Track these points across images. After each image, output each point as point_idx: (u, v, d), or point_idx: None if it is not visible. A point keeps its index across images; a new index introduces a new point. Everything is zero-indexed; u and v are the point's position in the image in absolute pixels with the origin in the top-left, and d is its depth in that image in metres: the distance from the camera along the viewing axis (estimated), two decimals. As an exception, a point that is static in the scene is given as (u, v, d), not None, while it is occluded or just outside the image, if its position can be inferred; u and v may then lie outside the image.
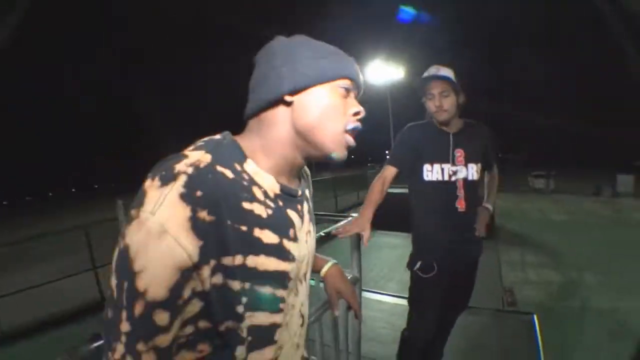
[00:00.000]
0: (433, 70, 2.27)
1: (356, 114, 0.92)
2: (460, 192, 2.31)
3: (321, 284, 2.10)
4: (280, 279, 0.82)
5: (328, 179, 17.80)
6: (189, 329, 0.72)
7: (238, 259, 0.73)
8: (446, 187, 2.32)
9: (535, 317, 3.74)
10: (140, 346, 0.64)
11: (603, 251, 8.25)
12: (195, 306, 0.70)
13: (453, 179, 2.31)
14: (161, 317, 0.64)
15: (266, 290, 0.79)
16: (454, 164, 2.32)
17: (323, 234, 2.10)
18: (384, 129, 24.06)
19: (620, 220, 12.81)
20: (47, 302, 6.01)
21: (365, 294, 4.44)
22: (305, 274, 0.98)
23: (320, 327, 2.03)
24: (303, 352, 1.03)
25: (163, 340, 0.65)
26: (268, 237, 0.79)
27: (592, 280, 6.48)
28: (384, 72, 23.91)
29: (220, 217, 0.69)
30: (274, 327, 0.84)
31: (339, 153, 0.90)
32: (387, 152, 2.70)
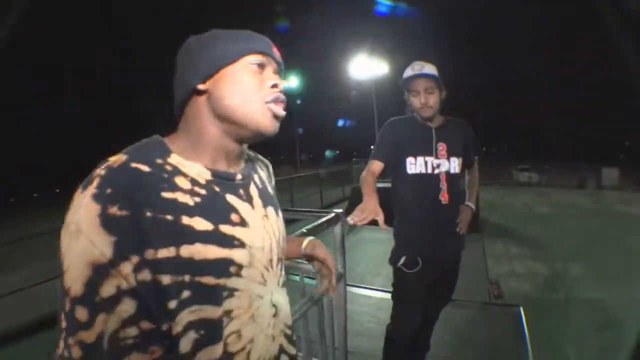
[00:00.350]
0: (417, 67, 2.27)
1: (274, 86, 0.90)
2: (444, 185, 2.31)
3: (305, 280, 2.10)
4: (224, 267, 0.79)
5: (313, 174, 17.77)
6: (132, 331, 0.69)
7: (170, 251, 0.71)
8: (429, 180, 2.32)
9: (521, 309, 3.76)
10: (70, 340, 0.66)
11: (587, 243, 8.36)
12: (129, 305, 0.68)
13: (436, 171, 2.31)
14: (81, 313, 0.65)
15: (208, 280, 0.76)
16: (437, 157, 2.32)
17: (305, 231, 2.09)
18: (369, 123, 24.06)
19: (604, 212, 12.99)
20: (34, 304, 5.94)
21: (352, 289, 4.45)
22: (271, 261, 0.94)
23: (306, 322, 2.02)
24: (282, 343, 0.98)
25: (86, 336, 0.65)
26: (200, 224, 0.76)
27: (577, 272, 6.57)
28: (368, 67, 23.89)
29: (136, 210, 0.69)
30: (224, 319, 0.80)
31: (267, 126, 0.89)
32: (372, 147, 2.69)
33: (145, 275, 0.69)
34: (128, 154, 0.76)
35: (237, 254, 0.81)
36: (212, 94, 0.86)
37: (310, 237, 1.35)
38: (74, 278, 0.65)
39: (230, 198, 0.86)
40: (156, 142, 0.83)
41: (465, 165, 2.47)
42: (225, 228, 0.81)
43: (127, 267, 0.67)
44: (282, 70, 0.98)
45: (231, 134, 0.88)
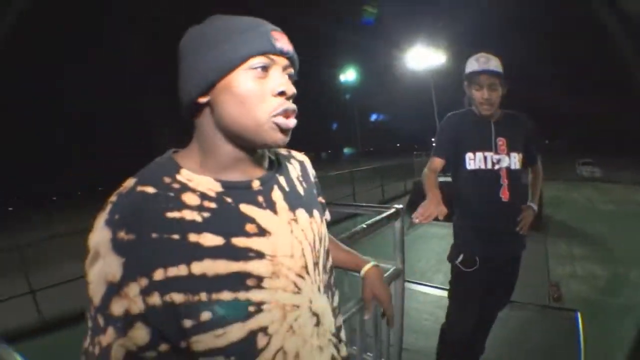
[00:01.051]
0: (482, 60, 2.22)
1: (281, 93, 0.82)
2: (504, 182, 2.27)
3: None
4: (239, 281, 0.77)
5: (374, 167, 17.67)
6: (152, 354, 0.74)
7: (180, 269, 0.72)
8: (489, 176, 2.28)
9: (579, 314, 3.64)
10: (95, 339, 0.73)
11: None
12: (143, 332, 0.72)
13: (496, 167, 2.27)
14: (100, 320, 0.72)
15: (225, 296, 0.75)
16: (496, 152, 2.28)
17: (365, 226, 2.09)
18: (429, 115, 23.67)
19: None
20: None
21: (411, 286, 4.41)
22: (305, 267, 0.89)
23: (362, 316, 2.01)
24: (333, 352, 0.96)
25: (103, 339, 0.72)
26: (209, 239, 0.75)
27: (639, 275, 6.29)
28: (425, 57, 23.36)
29: (141, 233, 0.72)
30: (259, 337, 0.78)
31: (275, 140, 0.82)
32: (432, 139, 2.67)
33: (156, 298, 0.71)
34: (137, 177, 0.79)
35: (253, 266, 0.78)
36: (214, 107, 0.81)
37: (372, 263, 1.32)
38: (95, 291, 0.72)
39: (246, 208, 0.82)
40: (166, 160, 0.84)
41: (526, 161, 2.40)
42: (238, 240, 0.78)
43: (134, 290, 0.70)
44: (294, 63, 0.87)
45: (240, 144, 0.84)
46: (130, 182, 0.78)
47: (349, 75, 43.24)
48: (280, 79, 0.82)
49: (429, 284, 4.88)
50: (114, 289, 0.70)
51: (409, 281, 3.58)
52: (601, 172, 24.96)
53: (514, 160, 2.29)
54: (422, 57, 23.47)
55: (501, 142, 2.28)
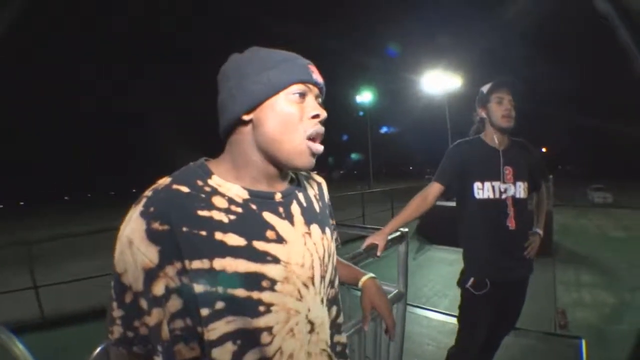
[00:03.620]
0: (499, 79, 2.30)
1: (315, 116, 0.93)
2: (511, 210, 2.28)
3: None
4: (255, 281, 0.84)
5: (385, 190, 17.63)
6: (180, 323, 0.80)
7: (203, 263, 0.80)
8: (497, 205, 2.29)
9: (583, 341, 3.60)
10: (136, 323, 0.80)
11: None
12: (176, 301, 0.80)
13: (503, 196, 2.29)
14: (143, 303, 0.79)
15: (240, 292, 0.82)
16: (504, 181, 2.30)
17: (362, 251, 2.10)
18: (443, 139, 23.59)
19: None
20: (96, 294, 6.28)
21: (415, 310, 4.41)
22: (312, 278, 0.96)
23: (362, 338, 2.03)
24: None
25: (149, 320, 0.79)
26: (233, 239, 0.83)
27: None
28: (441, 81, 23.40)
29: (174, 225, 0.79)
30: (264, 335, 0.85)
31: (303, 163, 0.93)
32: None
33: (185, 279, 0.79)
34: (173, 177, 0.87)
35: (269, 269, 0.86)
36: (256, 124, 0.90)
37: (370, 275, 1.35)
38: (134, 278, 0.78)
39: (268, 216, 0.90)
40: (199, 165, 0.92)
41: (531, 189, 2.43)
42: (258, 244, 0.86)
43: (171, 270, 0.79)
44: (324, 93, 1.00)
45: (272, 162, 0.93)
46: (165, 180, 0.86)
47: (365, 97, 43.40)
48: (314, 104, 0.95)
49: (433, 309, 4.84)
50: (153, 273, 0.78)
51: (412, 305, 3.58)
52: (613, 197, 24.78)
53: (520, 189, 2.31)
54: (439, 81, 23.51)
55: (508, 171, 2.31)
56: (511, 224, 2.28)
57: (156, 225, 0.78)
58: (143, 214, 0.79)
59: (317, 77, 0.96)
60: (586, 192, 26.82)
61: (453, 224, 2.30)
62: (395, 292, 2.32)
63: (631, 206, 20.76)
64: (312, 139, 0.93)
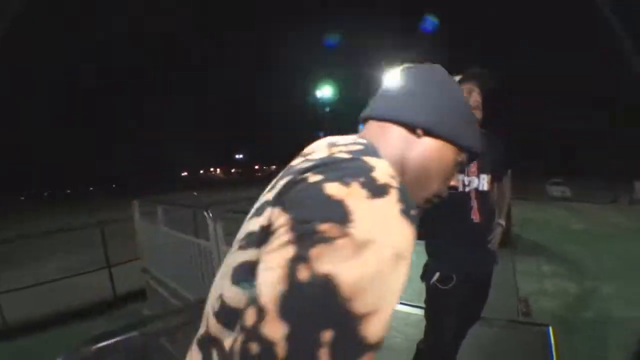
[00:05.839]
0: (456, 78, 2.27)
1: (451, 187, 0.91)
2: (474, 203, 2.30)
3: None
4: None
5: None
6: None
7: None
8: (460, 198, 2.30)
9: (550, 328, 3.67)
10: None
11: (621, 261, 8.13)
12: None
13: (467, 189, 2.31)
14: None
15: None
16: (467, 174, 2.31)
17: None
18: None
19: (638, 229, 12.67)
20: (57, 298, 6.17)
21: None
22: None
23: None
24: None
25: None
26: None
27: (609, 291, 6.38)
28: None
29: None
30: None
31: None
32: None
33: None
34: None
35: None
36: (418, 143, 0.82)
37: None
38: (387, 323, 0.50)
39: None
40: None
41: (494, 181, 2.45)
42: None
43: None
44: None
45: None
46: (390, 170, 0.62)
47: (325, 92, 43.53)
48: (456, 174, 0.91)
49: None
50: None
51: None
52: (571, 192, 25.42)
53: (483, 182, 2.32)
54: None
55: (472, 164, 2.30)
56: (475, 216, 2.30)
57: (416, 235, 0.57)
58: (407, 216, 0.55)
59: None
60: (544, 187, 27.45)
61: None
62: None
63: (588, 199, 21.34)
64: (433, 199, 0.87)
